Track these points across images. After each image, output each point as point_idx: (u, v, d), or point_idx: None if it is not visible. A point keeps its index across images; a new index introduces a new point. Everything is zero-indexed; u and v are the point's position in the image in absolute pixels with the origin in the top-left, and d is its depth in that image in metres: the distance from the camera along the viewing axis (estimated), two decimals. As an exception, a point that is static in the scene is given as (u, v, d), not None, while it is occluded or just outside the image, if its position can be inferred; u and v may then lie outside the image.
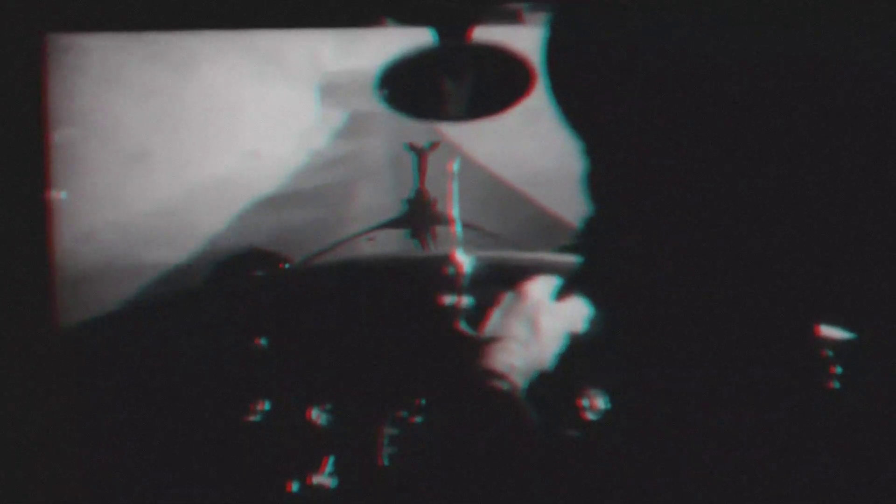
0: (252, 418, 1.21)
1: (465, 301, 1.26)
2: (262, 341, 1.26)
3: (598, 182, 0.66)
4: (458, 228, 1.41)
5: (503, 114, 1.51)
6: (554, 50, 0.65)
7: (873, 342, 0.61)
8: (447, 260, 1.28)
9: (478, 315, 1.16)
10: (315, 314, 1.29)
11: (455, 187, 1.43)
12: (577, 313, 1.10)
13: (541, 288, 1.13)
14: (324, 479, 1.17)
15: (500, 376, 1.00)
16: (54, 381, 0.89)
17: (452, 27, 1.40)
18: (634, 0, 0.60)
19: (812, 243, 0.58)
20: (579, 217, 0.67)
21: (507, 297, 1.14)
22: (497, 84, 1.48)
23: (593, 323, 1.09)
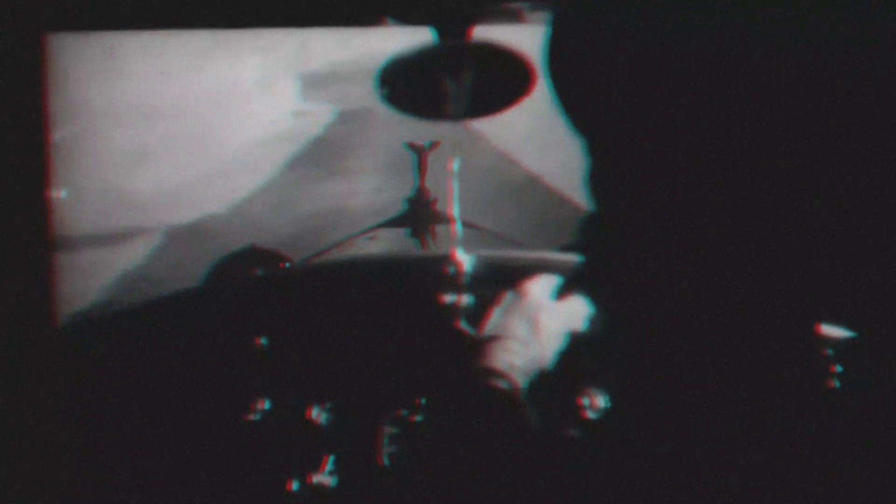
0: (252, 417, 1.21)
1: (466, 300, 1.26)
2: (262, 341, 1.26)
3: (599, 180, 0.66)
4: (458, 227, 1.41)
5: (503, 112, 1.51)
6: (555, 48, 0.65)
7: (873, 341, 0.61)
8: (447, 259, 1.28)
9: (478, 314, 1.16)
10: (315, 314, 1.29)
11: (455, 186, 1.43)
12: (577, 312, 1.10)
13: (541, 287, 1.13)
14: (324, 478, 1.17)
15: (501, 375, 1.00)
16: (54, 380, 0.89)
17: (453, 26, 1.40)
18: None
19: (813, 243, 0.58)
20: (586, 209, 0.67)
21: (508, 296, 1.14)
22: (497, 83, 1.49)
23: (593, 322, 1.09)
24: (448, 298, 1.26)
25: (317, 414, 1.20)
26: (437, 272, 1.28)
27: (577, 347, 1.09)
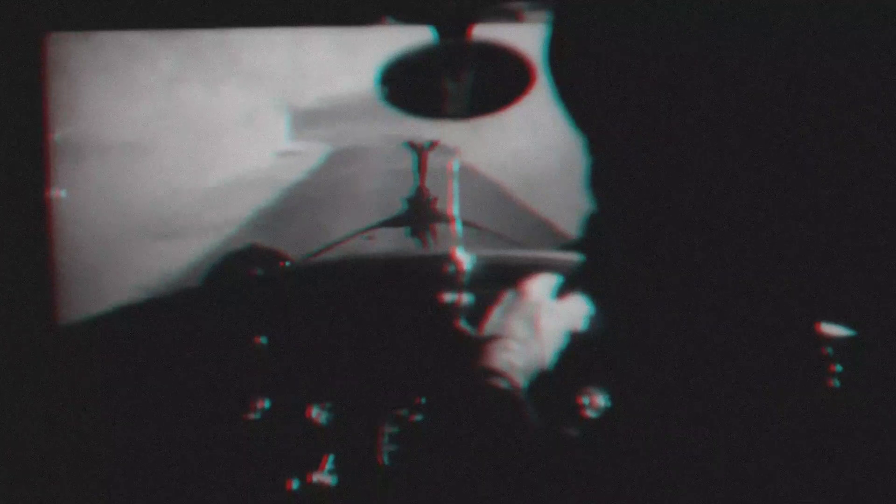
0: (252, 416, 1.21)
1: (466, 299, 1.26)
2: (262, 340, 1.26)
3: (600, 179, 0.66)
4: (458, 227, 1.41)
5: (503, 112, 1.51)
6: (556, 47, 0.65)
7: (873, 340, 0.61)
8: (447, 258, 1.28)
9: (478, 313, 1.16)
10: (315, 313, 1.30)
11: (455, 186, 1.43)
12: (577, 312, 1.10)
13: (541, 286, 1.13)
14: (324, 477, 1.17)
15: (501, 375, 1.00)
16: (54, 379, 0.89)
17: (453, 26, 1.40)
18: None
19: (813, 241, 0.58)
20: (572, 222, 0.67)
21: (508, 296, 1.14)
22: (497, 82, 1.49)
23: (593, 321, 1.09)
24: (448, 298, 1.26)
25: (317, 413, 1.20)
26: (437, 272, 1.28)
27: (577, 347, 1.10)
